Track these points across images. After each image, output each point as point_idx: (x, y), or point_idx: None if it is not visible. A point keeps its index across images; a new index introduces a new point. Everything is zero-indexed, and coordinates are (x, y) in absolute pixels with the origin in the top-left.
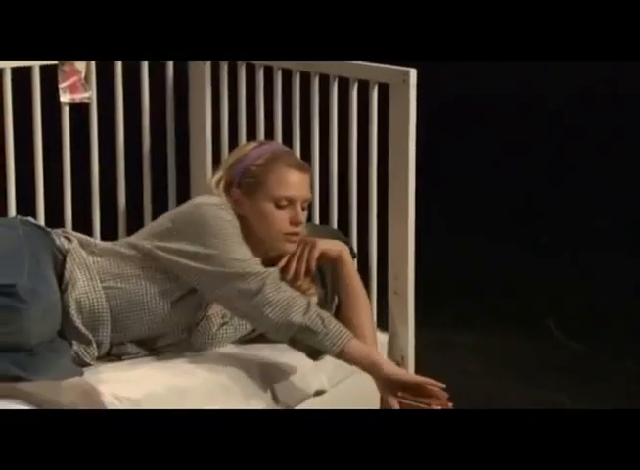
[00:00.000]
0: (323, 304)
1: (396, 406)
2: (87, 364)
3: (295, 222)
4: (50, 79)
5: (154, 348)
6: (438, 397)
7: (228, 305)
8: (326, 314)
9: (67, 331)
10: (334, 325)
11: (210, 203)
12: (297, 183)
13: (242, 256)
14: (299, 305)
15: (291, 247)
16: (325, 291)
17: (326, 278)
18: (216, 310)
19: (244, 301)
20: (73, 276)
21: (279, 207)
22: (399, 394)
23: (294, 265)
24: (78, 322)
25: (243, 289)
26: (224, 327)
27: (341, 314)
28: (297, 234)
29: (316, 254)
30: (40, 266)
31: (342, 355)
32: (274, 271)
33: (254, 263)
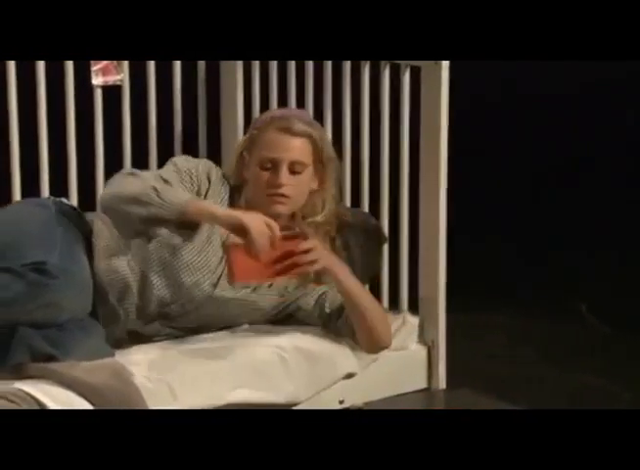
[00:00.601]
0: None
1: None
2: (118, 344)
3: (273, 184)
4: (82, 62)
5: (181, 314)
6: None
7: None
8: (166, 187)
9: (97, 307)
10: (171, 195)
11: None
12: (281, 145)
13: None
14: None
15: (278, 208)
16: (349, 258)
17: (351, 245)
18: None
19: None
20: (102, 252)
21: (263, 169)
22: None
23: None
24: (109, 295)
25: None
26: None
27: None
28: (281, 195)
29: (313, 268)
30: (72, 245)
31: (184, 217)
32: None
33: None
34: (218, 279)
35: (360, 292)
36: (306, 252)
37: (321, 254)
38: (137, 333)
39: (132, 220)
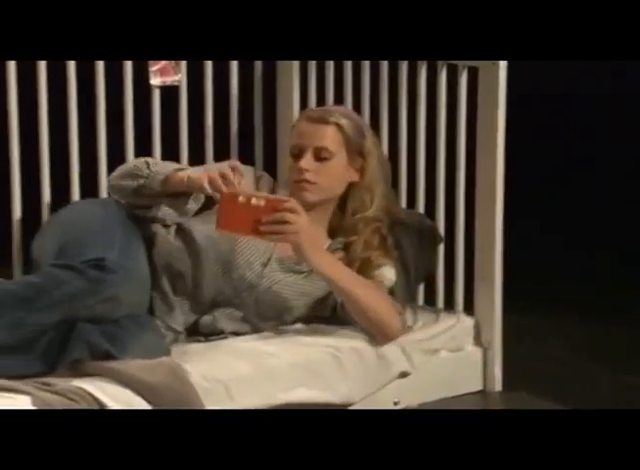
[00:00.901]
0: (401, 275)
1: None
2: (174, 342)
3: (297, 169)
4: (140, 62)
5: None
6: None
7: None
8: (158, 161)
9: (153, 300)
10: (160, 166)
11: None
12: (306, 132)
13: None
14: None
15: (303, 195)
16: (402, 258)
17: (408, 262)
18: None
19: None
20: (162, 250)
21: (292, 157)
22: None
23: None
24: (163, 283)
25: None
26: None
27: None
28: (304, 181)
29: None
30: (131, 243)
31: (168, 188)
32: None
33: None
34: (268, 259)
35: (347, 279)
36: (289, 223)
37: (298, 229)
38: (192, 330)
39: (126, 194)
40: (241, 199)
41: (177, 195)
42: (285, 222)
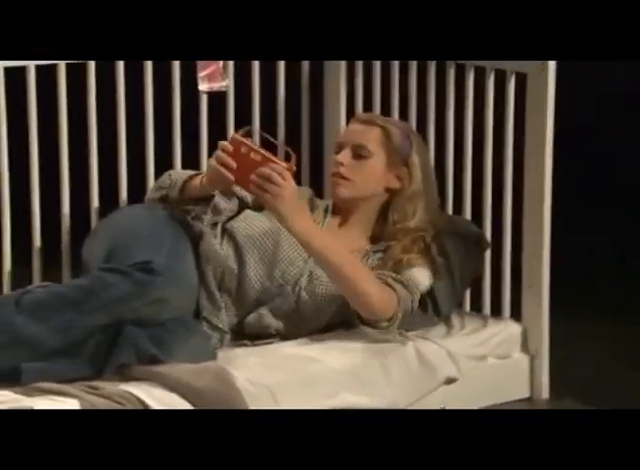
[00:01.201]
0: (440, 277)
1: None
2: (220, 341)
3: (334, 163)
4: (188, 68)
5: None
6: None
7: None
8: (180, 171)
9: (201, 302)
10: (179, 175)
11: None
12: (349, 130)
13: None
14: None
15: (337, 190)
16: (446, 263)
17: (453, 268)
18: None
19: None
20: (207, 249)
21: (335, 153)
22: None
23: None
24: (208, 280)
25: None
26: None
27: None
28: (339, 175)
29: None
30: (179, 246)
31: (184, 195)
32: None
33: None
34: (310, 256)
35: (326, 246)
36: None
37: (280, 192)
38: (237, 330)
39: (157, 205)
40: (243, 149)
41: (198, 200)
42: (271, 183)
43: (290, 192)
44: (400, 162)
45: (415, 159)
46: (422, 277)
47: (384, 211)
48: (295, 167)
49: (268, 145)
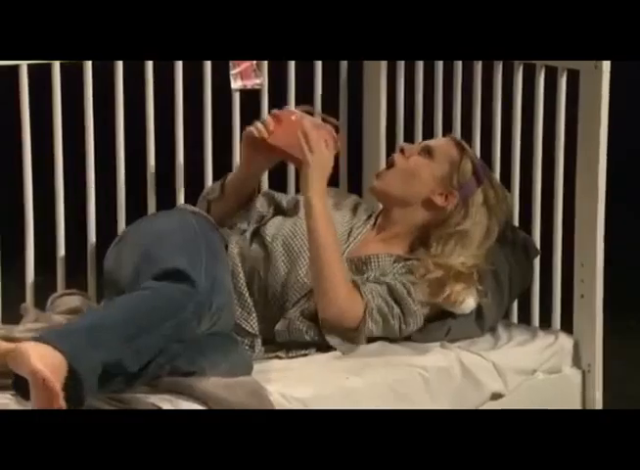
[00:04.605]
0: (494, 291)
1: None
2: (251, 346)
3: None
4: (220, 66)
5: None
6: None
7: None
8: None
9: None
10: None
11: None
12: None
13: None
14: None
15: (374, 180)
16: (493, 272)
17: (501, 277)
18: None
19: None
20: (236, 251)
21: None
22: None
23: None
24: (242, 289)
25: None
26: None
27: None
28: (391, 160)
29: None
30: (216, 257)
31: (225, 191)
32: None
33: None
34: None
35: (322, 228)
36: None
37: (314, 151)
38: (269, 340)
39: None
40: (294, 117)
41: (239, 197)
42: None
43: (330, 161)
44: (460, 192)
45: (478, 199)
46: (467, 306)
47: (424, 237)
48: (339, 148)
49: None
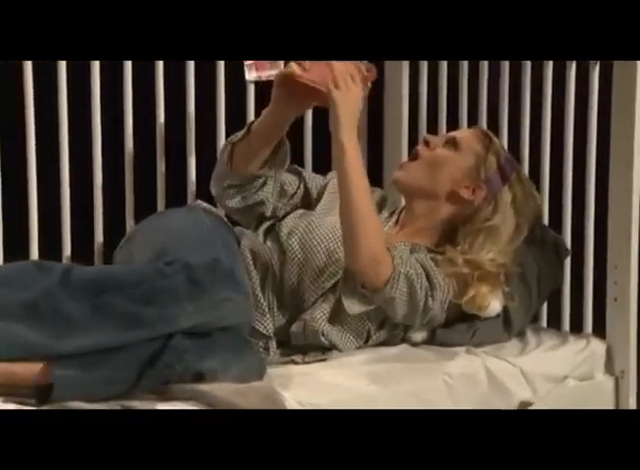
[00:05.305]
0: (522, 292)
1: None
2: (265, 348)
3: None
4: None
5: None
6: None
7: None
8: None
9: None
10: None
11: None
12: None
13: None
14: None
15: (399, 170)
16: (521, 273)
17: (529, 278)
18: None
19: None
20: (250, 247)
21: None
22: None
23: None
24: (255, 289)
25: None
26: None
27: None
28: (415, 152)
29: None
30: (233, 255)
31: (250, 132)
32: None
33: None
34: None
35: (356, 175)
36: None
37: (339, 87)
38: (284, 343)
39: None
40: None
41: (265, 144)
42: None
43: (358, 97)
44: (484, 179)
45: (507, 194)
46: (492, 309)
47: (450, 233)
48: (370, 85)
49: None
